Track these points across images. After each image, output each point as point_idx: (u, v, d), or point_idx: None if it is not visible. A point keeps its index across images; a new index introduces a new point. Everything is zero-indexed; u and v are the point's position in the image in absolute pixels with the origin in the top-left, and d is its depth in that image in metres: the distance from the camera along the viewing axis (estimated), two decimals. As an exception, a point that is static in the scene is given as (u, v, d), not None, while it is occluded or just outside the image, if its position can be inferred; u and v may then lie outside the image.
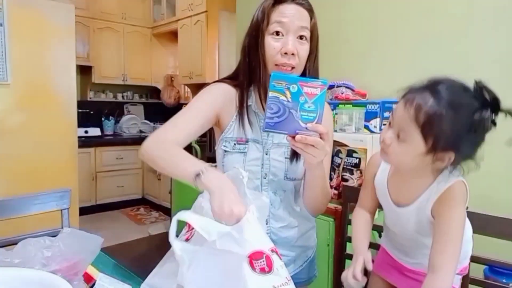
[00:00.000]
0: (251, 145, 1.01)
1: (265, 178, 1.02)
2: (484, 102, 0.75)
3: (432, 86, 0.77)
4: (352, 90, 2.00)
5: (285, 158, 1.02)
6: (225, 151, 1.02)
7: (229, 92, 1.03)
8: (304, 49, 0.95)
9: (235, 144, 1.01)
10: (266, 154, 1.01)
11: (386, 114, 1.82)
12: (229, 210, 0.71)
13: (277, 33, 0.94)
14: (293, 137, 0.82)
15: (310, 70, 0.99)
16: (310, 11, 0.97)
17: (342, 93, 1.97)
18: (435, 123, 0.75)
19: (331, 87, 2.04)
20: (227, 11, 3.74)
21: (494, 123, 0.77)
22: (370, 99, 1.95)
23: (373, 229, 1.47)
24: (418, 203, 0.87)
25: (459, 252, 0.80)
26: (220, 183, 0.76)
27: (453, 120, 0.74)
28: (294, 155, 1.01)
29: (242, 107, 1.01)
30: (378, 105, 1.79)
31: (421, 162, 0.81)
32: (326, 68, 2.29)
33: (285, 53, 0.93)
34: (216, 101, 1.02)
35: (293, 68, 0.95)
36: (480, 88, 0.76)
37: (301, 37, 0.95)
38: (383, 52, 2.04)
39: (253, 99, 1.02)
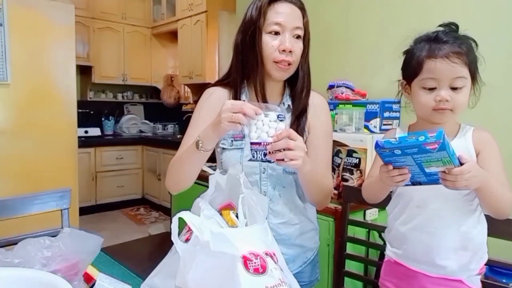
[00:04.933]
0: (248, 140, 1.02)
1: (263, 173, 1.02)
2: (455, 29, 0.92)
3: (439, 38, 0.89)
4: (352, 90, 1.99)
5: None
6: (223, 148, 1.04)
7: (221, 97, 1.05)
8: (299, 47, 0.99)
9: (232, 141, 1.04)
10: None
11: (386, 114, 1.82)
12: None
13: (275, 32, 0.97)
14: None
15: (302, 66, 1.03)
16: (303, 9, 1.01)
17: (342, 93, 1.97)
18: (470, 56, 0.87)
19: (331, 87, 2.04)
20: (227, 11, 3.73)
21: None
22: (370, 99, 1.95)
23: (372, 229, 1.47)
24: (457, 136, 0.92)
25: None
26: (209, 125, 0.91)
27: (471, 46, 0.89)
28: None
29: None
30: (378, 105, 1.79)
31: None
32: (327, 68, 2.30)
33: (283, 50, 0.96)
34: (211, 113, 1.03)
35: (290, 64, 0.98)
36: (446, 25, 0.92)
37: (297, 37, 0.99)
38: (383, 52, 2.04)
39: (247, 95, 1.05)
